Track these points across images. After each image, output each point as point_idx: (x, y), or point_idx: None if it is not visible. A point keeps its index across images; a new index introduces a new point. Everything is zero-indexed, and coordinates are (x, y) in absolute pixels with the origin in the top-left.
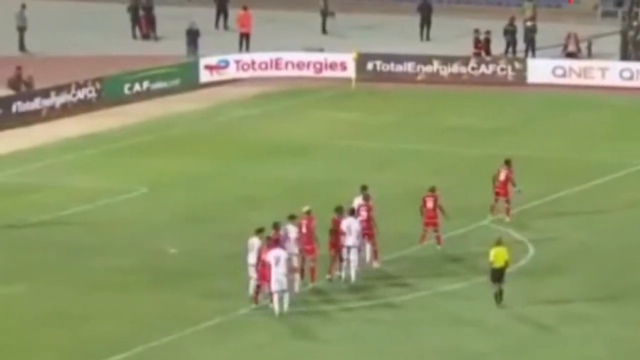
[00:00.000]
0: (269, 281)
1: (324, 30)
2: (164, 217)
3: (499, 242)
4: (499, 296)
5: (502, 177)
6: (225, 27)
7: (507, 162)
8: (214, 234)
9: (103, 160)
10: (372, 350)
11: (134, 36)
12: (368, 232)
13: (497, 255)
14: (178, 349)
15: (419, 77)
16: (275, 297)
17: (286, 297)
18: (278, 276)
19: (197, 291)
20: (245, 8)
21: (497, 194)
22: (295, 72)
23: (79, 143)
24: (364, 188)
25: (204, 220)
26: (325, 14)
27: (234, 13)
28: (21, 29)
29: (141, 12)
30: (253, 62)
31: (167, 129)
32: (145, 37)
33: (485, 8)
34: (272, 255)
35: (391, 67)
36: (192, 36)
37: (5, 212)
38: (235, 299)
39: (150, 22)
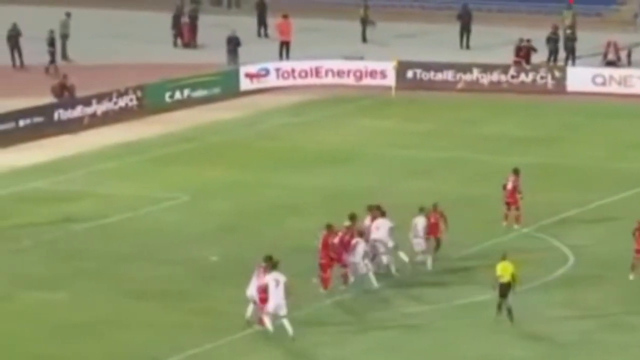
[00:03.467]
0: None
1: (364, 39)
2: (205, 225)
3: (504, 257)
4: (508, 313)
5: (509, 186)
6: (266, 35)
7: (515, 171)
8: (253, 242)
9: (144, 168)
10: (411, 358)
11: (175, 44)
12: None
13: (504, 270)
14: (214, 358)
15: (459, 86)
16: (267, 319)
17: (286, 321)
18: (277, 300)
19: (235, 300)
20: (285, 16)
21: (508, 203)
22: (336, 80)
23: (121, 151)
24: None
25: (243, 228)
26: (365, 22)
27: (274, 21)
28: (64, 37)
29: (184, 21)
30: (293, 70)
31: (208, 137)
32: (187, 45)
33: (524, 16)
34: (271, 277)
35: (431, 75)
36: (233, 44)
37: (48, 220)
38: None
39: (193, 30)
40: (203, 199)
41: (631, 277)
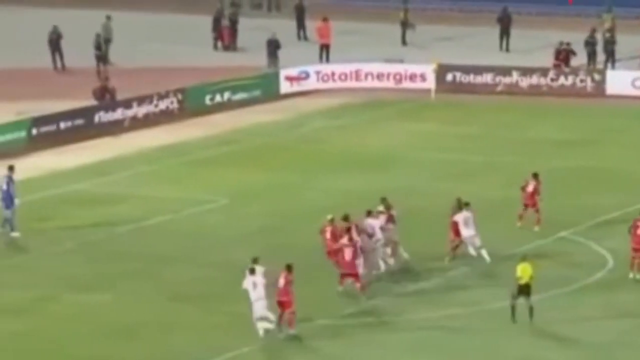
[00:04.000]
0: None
1: (404, 42)
2: (244, 227)
3: (524, 258)
4: (530, 312)
5: (530, 188)
6: (305, 38)
7: (535, 176)
8: (294, 244)
9: (185, 170)
10: (448, 359)
11: (216, 47)
12: None
13: (524, 271)
14: None
15: (498, 88)
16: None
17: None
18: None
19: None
20: (325, 19)
21: (526, 205)
22: (375, 83)
23: (161, 153)
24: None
25: (282, 230)
26: (405, 25)
27: (314, 24)
28: (106, 41)
29: (224, 24)
30: (333, 73)
31: (248, 139)
32: (227, 48)
33: (564, 20)
34: (249, 281)
35: (470, 78)
36: (273, 47)
37: (90, 222)
38: (313, 309)
39: (233, 33)
40: (242, 202)
41: (631, 275)
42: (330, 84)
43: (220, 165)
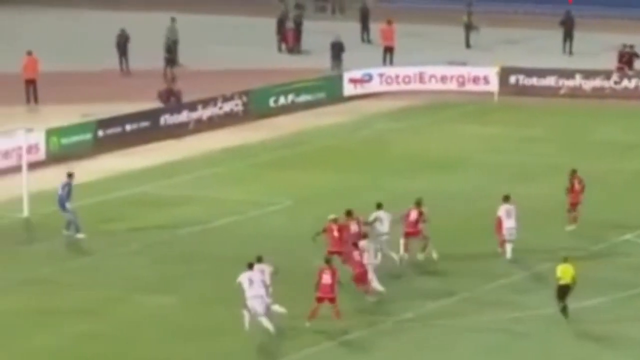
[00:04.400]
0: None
1: (467, 44)
2: (308, 229)
3: (565, 259)
4: (565, 311)
5: (578, 187)
6: (369, 40)
7: (575, 171)
8: None
9: (249, 172)
10: None
11: (280, 50)
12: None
13: (564, 272)
14: None
15: (561, 91)
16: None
17: (264, 320)
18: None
19: (341, 303)
20: (389, 22)
21: (574, 204)
22: (439, 86)
23: (226, 155)
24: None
25: None
26: (469, 27)
27: (378, 27)
28: (173, 43)
29: (288, 26)
30: (397, 76)
31: (312, 141)
32: (291, 50)
33: (627, 22)
34: (245, 276)
35: (533, 81)
36: (337, 50)
37: (155, 224)
38: (378, 310)
39: (297, 36)
40: (306, 204)
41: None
42: (393, 87)
43: (284, 167)
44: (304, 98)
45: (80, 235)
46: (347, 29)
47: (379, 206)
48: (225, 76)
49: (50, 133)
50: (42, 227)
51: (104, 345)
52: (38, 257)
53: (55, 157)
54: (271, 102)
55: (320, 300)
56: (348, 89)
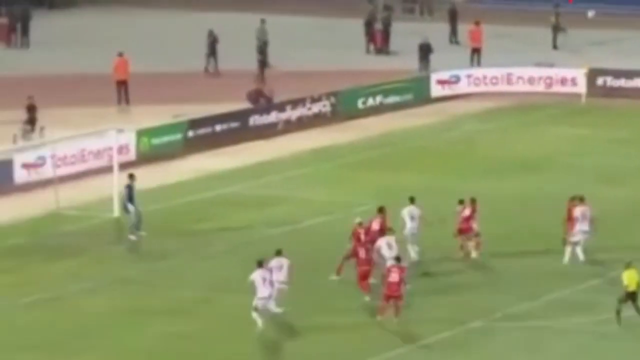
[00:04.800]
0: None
1: (554, 46)
2: (396, 230)
3: (629, 265)
4: (618, 316)
5: None
6: (457, 42)
7: None
8: (446, 247)
9: (337, 173)
10: None
11: (368, 51)
12: None
13: (630, 278)
14: None
15: None
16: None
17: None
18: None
19: (431, 304)
20: (477, 23)
21: None
22: (526, 87)
23: (314, 156)
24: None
25: (432, 234)
26: (556, 29)
27: (465, 28)
28: (264, 44)
29: (377, 27)
30: (484, 77)
31: (399, 143)
32: (379, 51)
33: None
34: (259, 275)
35: (622, 82)
36: (425, 51)
37: (244, 224)
38: (465, 311)
39: (385, 37)
40: (393, 205)
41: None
42: (481, 88)
43: (372, 168)
44: (391, 99)
45: (132, 237)
46: (435, 30)
47: (412, 200)
48: (313, 77)
49: (140, 133)
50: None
51: (191, 345)
52: (128, 257)
53: (145, 158)
54: (359, 103)
55: (387, 298)
56: (435, 90)
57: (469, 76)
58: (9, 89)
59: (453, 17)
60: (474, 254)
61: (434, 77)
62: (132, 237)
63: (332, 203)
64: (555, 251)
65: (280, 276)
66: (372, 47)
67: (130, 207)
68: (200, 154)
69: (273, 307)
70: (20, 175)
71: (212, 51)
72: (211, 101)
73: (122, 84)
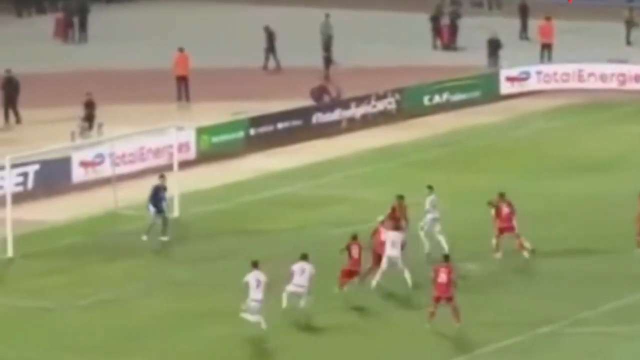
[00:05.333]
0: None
1: (628, 41)
2: (462, 232)
3: None
4: None
5: None
6: (526, 37)
7: None
8: (507, 250)
9: (401, 173)
10: None
11: (435, 46)
12: None
13: None
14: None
15: None
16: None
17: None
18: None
19: (493, 309)
20: (548, 18)
21: None
22: (598, 84)
23: (377, 155)
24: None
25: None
26: (630, 24)
27: (536, 23)
28: (328, 39)
29: (443, 22)
30: (555, 74)
31: (466, 141)
32: (447, 47)
33: None
34: (253, 276)
35: None
36: (494, 47)
37: (304, 225)
38: (533, 316)
39: (453, 32)
40: (459, 206)
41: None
42: (551, 85)
43: (437, 167)
44: (458, 96)
45: (144, 237)
46: (504, 25)
47: (431, 188)
48: (378, 73)
49: (201, 131)
50: (192, 227)
51: (245, 349)
52: (186, 258)
53: (205, 156)
54: (425, 101)
55: (437, 299)
56: (505, 87)
57: (539, 73)
58: (67, 85)
59: (523, 12)
60: (525, 254)
61: (503, 73)
62: (144, 238)
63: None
64: (627, 254)
65: (301, 280)
66: (438, 42)
67: (151, 208)
68: (261, 153)
69: (255, 318)
70: (78, 174)
71: (270, 47)
72: (272, 98)
73: (182, 80)
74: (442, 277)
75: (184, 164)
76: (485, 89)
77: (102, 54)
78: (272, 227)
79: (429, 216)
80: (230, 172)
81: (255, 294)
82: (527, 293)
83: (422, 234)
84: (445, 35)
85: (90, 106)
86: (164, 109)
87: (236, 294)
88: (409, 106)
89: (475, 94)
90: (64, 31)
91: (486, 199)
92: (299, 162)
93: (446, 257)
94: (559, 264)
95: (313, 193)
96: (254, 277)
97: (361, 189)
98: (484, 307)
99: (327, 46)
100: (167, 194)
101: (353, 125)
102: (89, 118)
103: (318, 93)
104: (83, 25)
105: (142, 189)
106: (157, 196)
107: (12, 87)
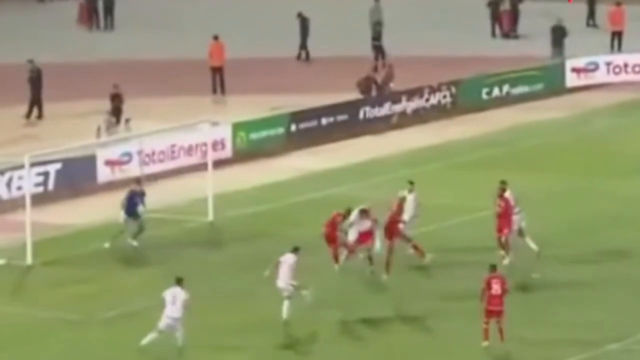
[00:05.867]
0: None
1: None
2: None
3: None
4: None
5: None
6: (594, 24)
7: None
8: (575, 257)
9: (456, 173)
10: None
11: (494, 35)
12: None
13: None
14: None
15: None
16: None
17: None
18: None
19: (562, 322)
20: (618, 3)
21: None
22: None
23: (430, 154)
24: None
25: (565, 242)
26: None
27: (605, 9)
28: (377, 26)
29: (503, 8)
30: (625, 65)
31: (527, 139)
32: (507, 35)
33: None
34: (170, 293)
35: None
36: (558, 35)
37: None
38: (604, 331)
39: (513, 18)
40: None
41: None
42: (622, 77)
43: (496, 167)
44: (520, 89)
45: (134, 243)
46: (570, 11)
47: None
48: (432, 64)
49: (237, 127)
50: (227, 232)
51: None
52: (219, 266)
53: (242, 154)
54: (483, 94)
55: (490, 314)
56: (570, 79)
57: (608, 63)
58: (91, 76)
59: None
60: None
61: (569, 64)
62: (134, 243)
63: (448, 207)
64: None
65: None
66: (498, 30)
67: (123, 214)
68: (303, 151)
69: (180, 335)
70: (103, 174)
71: (303, 35)
72: (314, 91)
73: (217, 71)
74: (496, 289)
75: (219, 163)
76: (549, 82)
77: (130, 42)
78: (314, 232)
79: (412, 215)
80: (269, 172)
81: (170, 311)
82: (591, 306)
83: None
84: (505, 21)
85: (117, 99)
86: (198, 102)
87: (275, 305)
88: (465, 100)
89: (538, 86)
90: (89, 17)
91: (550, 202)
92: (344, 161)
93: (493, 267)
94: (626, 273)
95: (359, 195)
96: (171, 294)
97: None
98: (541, 321)
99: (377, 34)
100: (146, 199)
101: (404, 120)
102: (116, 112)
103: (365, 85)
104: (109, 11)
105: (173, 191)
106: (132, 201)
107: (37, 79)
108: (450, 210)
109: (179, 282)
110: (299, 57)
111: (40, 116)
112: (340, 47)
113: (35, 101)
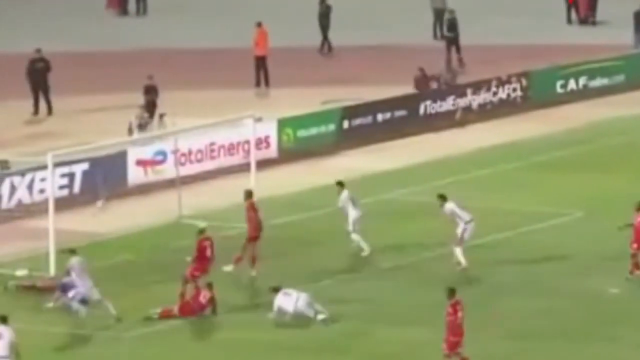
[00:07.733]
0: None
1: None
2: (604, 247)
3: None
4: None
5: None
6: None
7: None
8: None
9: (528, 175)
10: None
11: (569, 21)
12: None
13: None
14: None
15: None
16: None
17: None
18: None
19: (635, 342)
20: None
21: None
22: None
23: (499, 153)
24: None
25: None
26: None
27: None
28: (439, 13)
29: None
30: None
31: (608, 137)
32: (584, 21)
33: None
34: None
35: None
36: None
37: (403, 239)
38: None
39: (592, 3)
40: (602, 215)
41: None
42: None
43: (573, 168)
44: (598, 82)
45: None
46: None
47: (342, 184)
48: (501, 54)
49: (283, 123)
50: (273, 241)
51: None
52: (265, 279)
53: (288, 154)
54: (558, 87)
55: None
56: None
57: None
58: (122, 66)
59: None
60: None
61: None
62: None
63: (520, 213)
64: None
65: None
66: (574, 15)
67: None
68: (356, 150)
69: None
70: (134, 175)
71: (324, 25)
72: (369, 83)
73: (261, 62)
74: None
75: (263, 163)
76: (631, 73)
77: (164, 29)
78: (370, 242)
79: (354, 214)
80: (317, 174)
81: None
82: None
83: (354, 236)
84: (583, 6)
85: (150, 92)
86: (239, 96)
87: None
88: (538, 94)
89: (619, 78)
90: (120, 1)
91: (630, 206)
92: (402, 161)
93: (452, 291)
94: None
95: (418, 200)
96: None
97: (478, 196)
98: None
99: (451, 24)
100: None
101: (469, 116)
102: (150, 107)
103: (422, 78)
104: None
105: (212, 194)
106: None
107: (41, 71)
108: (526, 216)
109: (4, 320)
110: (322, 48)
111: (50, 111)
112: (397, 34)
113: (42, 95)
